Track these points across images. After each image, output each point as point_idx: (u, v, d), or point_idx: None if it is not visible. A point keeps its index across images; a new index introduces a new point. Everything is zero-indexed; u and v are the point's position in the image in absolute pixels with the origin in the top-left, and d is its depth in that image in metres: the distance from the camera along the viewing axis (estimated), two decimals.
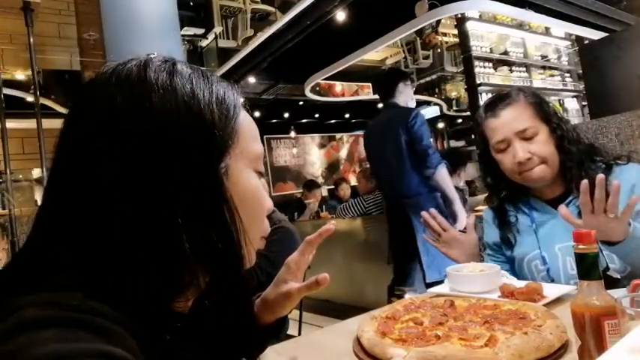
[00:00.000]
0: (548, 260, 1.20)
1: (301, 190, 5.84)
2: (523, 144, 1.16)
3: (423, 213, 1.31)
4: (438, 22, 6.84)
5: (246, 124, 0.52)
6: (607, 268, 1.08)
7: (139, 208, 0.42)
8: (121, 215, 0.42)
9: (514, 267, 1.30)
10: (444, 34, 7.63)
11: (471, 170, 3.44)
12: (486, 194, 1.46)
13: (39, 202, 0.57)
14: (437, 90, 9.37)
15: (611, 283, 1.04)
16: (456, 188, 3.16)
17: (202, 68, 0.51)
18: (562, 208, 1.01)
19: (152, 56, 0.49)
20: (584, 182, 0.95)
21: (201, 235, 0.44)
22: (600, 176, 0.93)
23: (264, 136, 9.73)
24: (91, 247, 0.42)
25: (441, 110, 9.60)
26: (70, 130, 0.46)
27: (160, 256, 0.43)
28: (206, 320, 0.51)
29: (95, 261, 0.42)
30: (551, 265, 1.20)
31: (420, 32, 7.31)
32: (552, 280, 1.19)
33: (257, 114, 9.50)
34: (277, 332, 0.76)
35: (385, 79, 3.21)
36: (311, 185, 5.80)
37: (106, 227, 0.42)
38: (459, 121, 9.43)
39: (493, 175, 1.28)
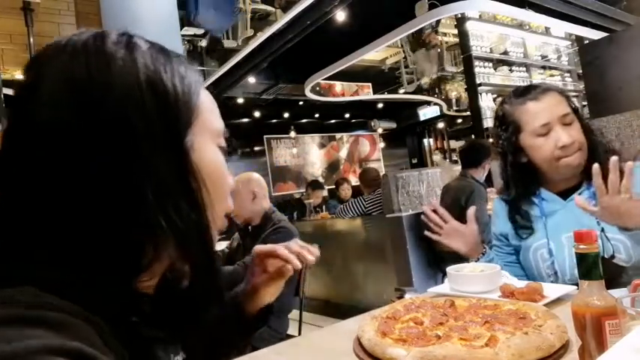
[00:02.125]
0: (555, 250, 1.22)
1: (301, 190, 5.86)
2: (565, 128, 1.18)
3: (425, 208, 1.30)
4: (438, 22, 6.84)
5: (207, 100, 0.52)
6: (613, 256, 1.10)
7: (101, 180, 0.41)
8: (82, 189, 0.41)
9: (519, 257, 1.31)
10: (444, 34, 7.64)
11: (487, 165, 3.33)
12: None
13: None
14: (437, 90, 9.36)
15: (615, 272, 1.06)
16: (479, 183, 3.17)
17: (161, 45, 0.50)
18: (578, 197, 1.04)
19: (107, 30, 0.47)
20: (596, 165, 0.98)
21: (170, 207, 0.43)
22: (614, 158, 0.96)
23: (264, 136, 9.73)
24: (49, 225, 0.41)
25: (441, 110, 9.58)
26: (22, 104, 0.44)
27: (125, 230, 0.42)
28: (175, 303, 0.50)
29: (54, 240, 0.40)
30: (557, 254, 1.21)
31: (420, 32, 7.31)
32: (556, 272, 1.21)
33: (257, 114, 9.49)
34: (263, 320, 0.76)
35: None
36: (315, 185, 5.85)
37: (66, 202, 0.41)
38: (459, 121, 9.43)
39: (519, 164, 1.27)
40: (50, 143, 0.41)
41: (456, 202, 3.17)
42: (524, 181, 1.27)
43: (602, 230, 1.13)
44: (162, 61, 0.47)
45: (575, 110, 1.22)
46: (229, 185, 0.54)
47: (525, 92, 1.24)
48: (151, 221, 0.42)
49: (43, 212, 0.41)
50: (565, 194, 1.23)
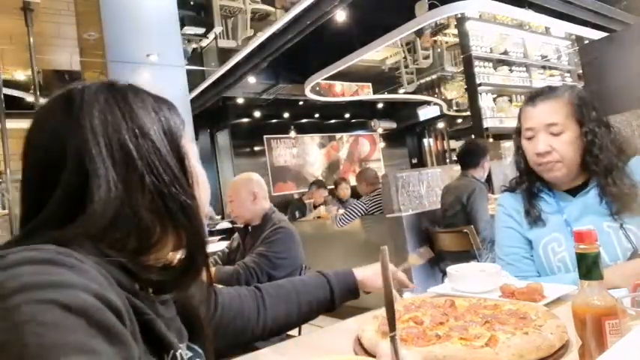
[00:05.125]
0: (565, 243, 1.22)
1: (301, 190, 5.83)
2: (548, 137, 1.20)
3: None
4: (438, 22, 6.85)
5: (187, 126, 0.69)
6: (635, 250, 1.12)
7: (131, 176, 0.55)
8: (105, 186, 0.53)
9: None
10: (444, 34, 7.64)
11: (487, 164, 3.31)
12: None
13: None
14: (437, 90, 9.37)
15: None
16: (480, 182, 3.17)
17: (155, 94, 0.66)
18: None
19: (114, 81, 0.64)
20: None
21: (181, 194, 0.58)
22: None
23: (264, 136, 9.73)
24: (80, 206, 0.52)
25: (441, 110, 9.59)
26: (62, 124, 0.56)
27: (141, 217, 0.55)
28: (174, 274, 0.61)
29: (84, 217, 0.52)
30: (567, 247, 1.22)
31: (420, 32, 7.31)
32: (566, 265, 1.21)
33: (257, 114, 9.49)
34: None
35: None
36: (319, 184, 5.78)
37: (90, 195, 0.52)
38: (459, 121, 9.44)
39: (524, 158, 1.30)
40: (95, 150, 0.55)
41: (457, 200, 3.17)
42: (529, 178, 1.29)
43: (622, 225, 1.16)
44: (166, 106, 0.65)
45: (580, 122, 1.19)
46: (209, 192, 0.69)
47: (534, 94, 1.27)
48: (167, 203, 0.57)
49: (73, 199, 0.53)
50: (573, 192, 1.26)
